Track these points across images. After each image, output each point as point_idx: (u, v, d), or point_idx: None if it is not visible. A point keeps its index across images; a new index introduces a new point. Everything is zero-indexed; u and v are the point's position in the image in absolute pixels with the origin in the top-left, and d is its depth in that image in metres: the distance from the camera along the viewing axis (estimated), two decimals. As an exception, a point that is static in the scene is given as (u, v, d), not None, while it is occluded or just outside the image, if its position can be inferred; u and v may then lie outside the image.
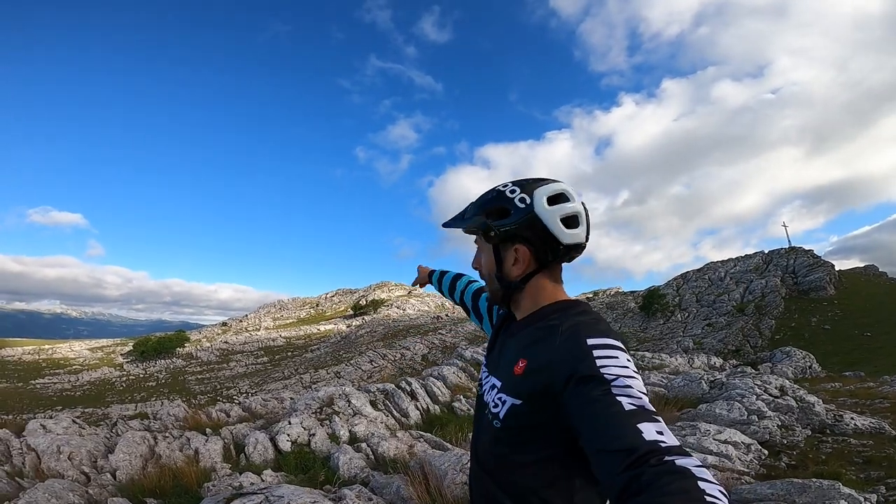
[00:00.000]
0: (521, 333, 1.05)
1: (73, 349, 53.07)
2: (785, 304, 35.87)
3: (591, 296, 61.31)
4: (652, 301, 43.06)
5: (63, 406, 33.00)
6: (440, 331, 43.42)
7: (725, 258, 50.02)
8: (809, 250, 43.84)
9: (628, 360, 0.84)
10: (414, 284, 1.97)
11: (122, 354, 50.97)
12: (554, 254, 1.03)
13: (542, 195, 1.01)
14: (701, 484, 0.66)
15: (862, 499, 2.56)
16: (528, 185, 1.04)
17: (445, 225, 1.19)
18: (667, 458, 0.67)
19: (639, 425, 0.71)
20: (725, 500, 0.66)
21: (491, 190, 1.10)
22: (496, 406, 0.98)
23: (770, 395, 6.04)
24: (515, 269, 1.04)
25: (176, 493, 3.85)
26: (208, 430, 6.36)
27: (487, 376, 1.12)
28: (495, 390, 1.01)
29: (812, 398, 5.82)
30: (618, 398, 0.75)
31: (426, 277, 1.91)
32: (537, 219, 1.00)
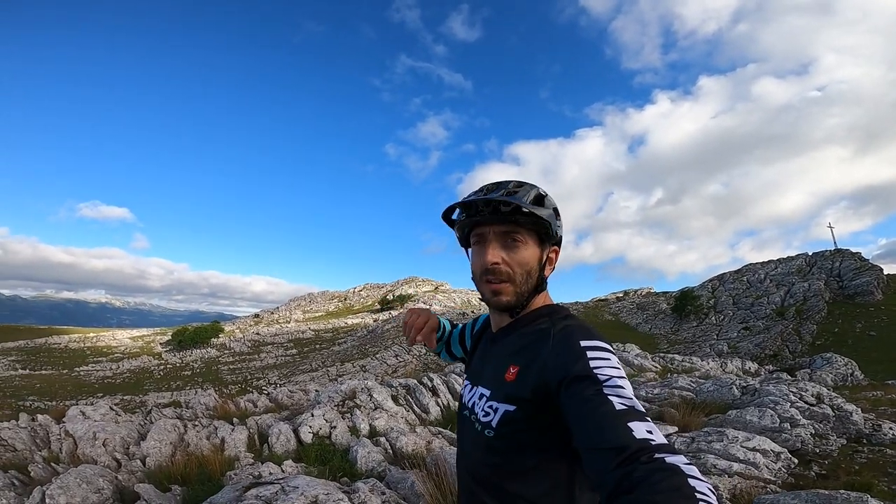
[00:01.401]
0: (506, 339, 1.04)
1: (116, 338, 55.89)
2: (828, 308, 34.15)
3: (620, 295, 59.97)
4: (685, 302, 41.80)
5: (104, 393, 34.77)
6: (465, 328, 43.47)
7: (765, 260, 48.04)
8: (856, 253, 41.55)
9: (618, 363, 0.85)
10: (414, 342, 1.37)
11: (161, 344, 53.34)
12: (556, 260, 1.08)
13: None
14: (691, 481, 0.67)
15: (893, 514, 2.40)
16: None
17: (517, 205, 0.95)
18: (657, 455, 0.69)
19: (629, 424, 0.73)
20: (714, 497, 0.67)
21: (532, 185, 1.02)
22: (487, 415, 0.97)
23: (805, 402, 5.75)
24: (548, 271, 1.05)
25: (200, 481, 3.99)
26: (235, 420, 6.57)
27: (471, 388, 1.10)
28: (484, 399, 1.00)
29: (850, 406, 5.52)
30: (609, 398, 0.77)
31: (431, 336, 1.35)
32: (562, 228, 1.05)
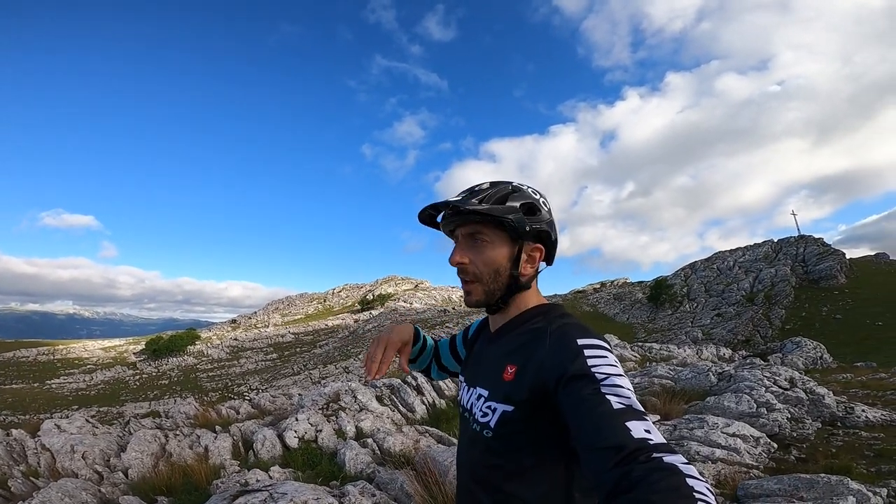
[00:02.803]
0: (503, 339, 1.04)
1: (87, 349, 53.98)
2: (795, 293, 35.50)
3: (598, 286, 61.06)
4: (660, 291, 42.84)
5: (79, 405, 33.60)
6: (447, 324, 43.51)
7: (733, 248, 49.53)
8: (819, 238, 43.26)
9: (616, 360, 0.85)
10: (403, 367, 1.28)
11: (134, 353, 51.78)
12: (551, 259, 1.07)
13: (550, 204, 1.06)
14: (689, 481, 0.67)
15: (871, 494, 2.52)
16: (534, 190, 1.06)
17: (459, 207, 0.96)
18: (655, 455, 0.69)
19: (627, 423, 0.73)
20: (713, 497, 0.67)
21: (506, 183, 1.02)
22: (485, 416, 0.96)
23: (779, 387, 5.97)
24: (527, 269, 1.03)
25: (186, 491, 3.90)
26: (218, 428, 6.43)
27: (469, 389, 1.10)
28: (482, 400, 0.99)
29: (822, 390, 5.75)
30: (607, 397, 0.76)
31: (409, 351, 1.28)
32: (553, 225, 1.04)
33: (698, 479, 0.67)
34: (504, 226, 0.97)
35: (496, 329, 1.09)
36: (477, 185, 1.03)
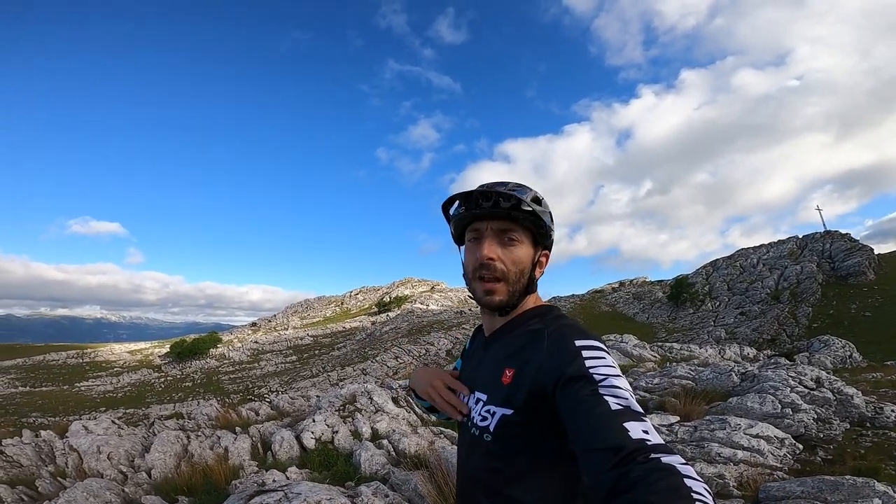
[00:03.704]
0: (499, 342, 1.04)
1: (114, 352, 55.54)
2: (822, 290, 34.44)
3: (616, 286, 60.19)
4: (680, 290, 42.04)
5: (106, 407, 34.58)
6: (464, 325, 43.49)
7: (757, 245, 48.32)
8: (846, 234, 41.90)
9: (614, 361, 0.85)
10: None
11: (159, 356, 53.06)
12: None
13: None
14: (687, 481, 0.68)
15: (896, 495, 2.42)
16: None
17: (519, 200, 0.97)
18: (653, 455, 0.69)
19: (625, 424, 0.74)
20: (711, 497, 0.68)
21: (529, 188, 1.02)
22: (484, 420, 0.96)
23: (805, 387, 5.79)
24: (538, 272, 1.06)
25: (206, 491, 3.97)
26: (238, 429, 6.55)
27: (468, 394, 1.09)
28: (480, 404, 0.99)
29: (850, 390, 5.55)
30: (605, 398, 0.77)
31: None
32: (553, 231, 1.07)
33: (696, 479, 0.67)
34: (535, 227, 1.00)
35: (492, 332, 1.09)
36: (500, 182, 1.02)
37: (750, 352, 17.35)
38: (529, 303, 1.06)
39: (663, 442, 0.72)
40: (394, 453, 5.16)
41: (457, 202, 1.05)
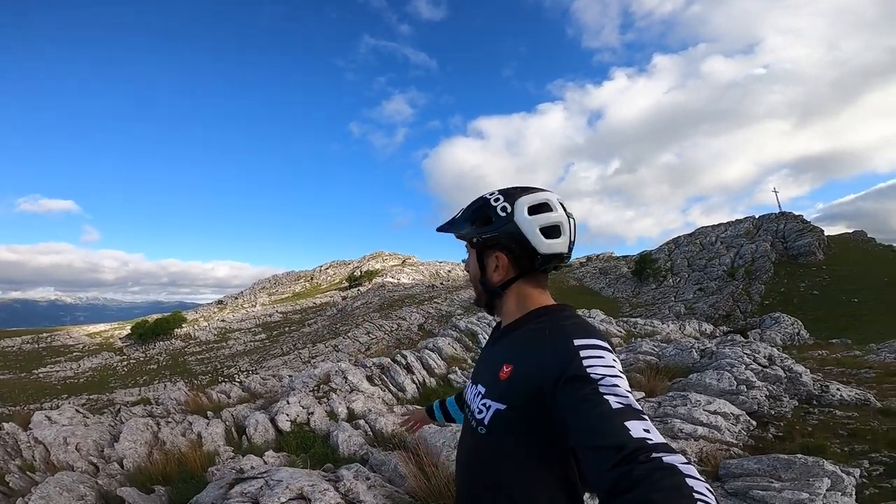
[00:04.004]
0: (504, 339, 1.08)
1: (72, 336, 53.14)
2: (774, 268, 36.33)
3: (584, 261, 61.73)
4: (644, 266, 43.54)
5: (67, 394, 33.37)
6: (436, 300, 43.80)
7: (715, 223, 50.27)
8: (799, 215, 44.07)
9: (614, 360, 0.87)
10: (409, 428, 1.84)
11: (120, 338, 51.21)
12: (532, 262, 1.06)
13: (523, 205, 1.05)
14: (689, 481, 0.67)
15: (844, 475, 2.66)
16: (513, 195, 1.08)
17: (440, 229, 1.23)
18: (654, 454, 0.69)
19: (626, 423, 0.73)
20: (713, 497, 0.67)
21: (479, 198, 1.15)
22: (480, 412, 1.00)
23: (759, 364, 6.18)
24: (496, 276, 1.09)
25: (182, 479, 3.93)
26: (210, 413, 6.45)
27: (472, 385, 1.14)
28: (479, 397, 1.04)
29: (799, 368, 5.95)
30: (605, 397, 0.77)
31: (420, 416, 1.80)
32: (516, 228, 1.04)
33: (698, 479, 0.68)
34: (468, 239, 1.14)
35: (503, 329, 1.13)
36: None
37: (708, 328, 18.26)
38: (536, 301, 1.08)
39: (664, 441, 0.72)
40: (371, 433, 5.22)
41: None
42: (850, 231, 42.90)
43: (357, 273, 68.40)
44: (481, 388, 1.05)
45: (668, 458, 0.68)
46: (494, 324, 1.39)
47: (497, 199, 1.08)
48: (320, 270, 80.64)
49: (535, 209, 1.05)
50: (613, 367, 0.84)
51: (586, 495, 1.02)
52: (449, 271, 67.29)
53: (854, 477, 2.80)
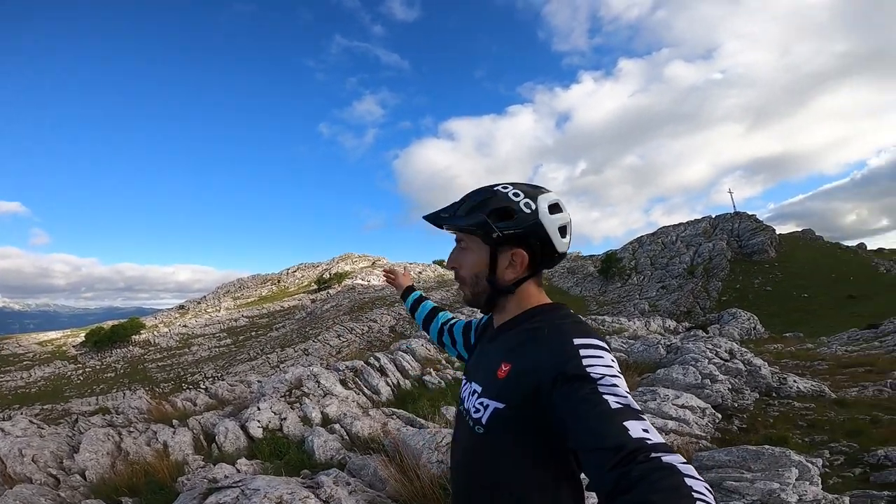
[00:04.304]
0: (502, 337, 1.06)
1: (21, 344, 49.73)
2: (730, 266, 38.05)
3: (551, 260, 62.68)
4: (610, 265, 44.77)
5: (20, 404, 31.46)
6: (407, 303, 43.55)
7: (676, 223, 52.24)
8: (752, 215, 46.35)
9: (613, 360, 0.87)
10: (386, 279, 1.92)
11: (74, 346, 48.40)
12: (548, 261, 1.05)
13: (545, 203, 1.02)
14: (688, 480, 0.67)
15: (809, 465, 2.81)
16: (531, 192, 1.04)
17: (430, 218, 1.11)
18: (653, 454, 0.69)
19: (625, 423, 0.73)
20: (711, 497, 0.67)
21: (487, 189, 1.06)
22: (477, 412, 0.99)
23: (721, 358, 6.46)
24: (509, 273, 1.04)
25: (151, 490, 3.77)
26: (175, 422, 6.21)
27: (466, 383, 1.13)
28: (475, 396, 1.02)
29: (758, 361, 6.25)
30: (604, 397, 0.77)
31: (399, 281, 1.84)
32: (541, 226, 1.01)
33: (697, 478, 0.67)
34: (475, 233, 1.02)
35: (498, 326, 1.12)
36: (468, 193, 1.08)
37: (671, 324, 18.93)
38: (533, 300, 1.07)
39: (663, 441, 0.72)
40: (347, 437, 5.16)
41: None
42: (800, 230, 45.47)
43: (326, 275, 67.20)
44: (477, 387, 1.03)
45: (667, 458, 0.68)
46: (477, 322, 1.38)
47: (517, 195, 1.03)
48: (288, 273, 78.78)
49: (553, 208, 1.03)
50: (612, 366, 0.84)
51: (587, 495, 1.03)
52: (420, 272, 67.06)
53: (818, 466, 2.95)
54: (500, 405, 0.94)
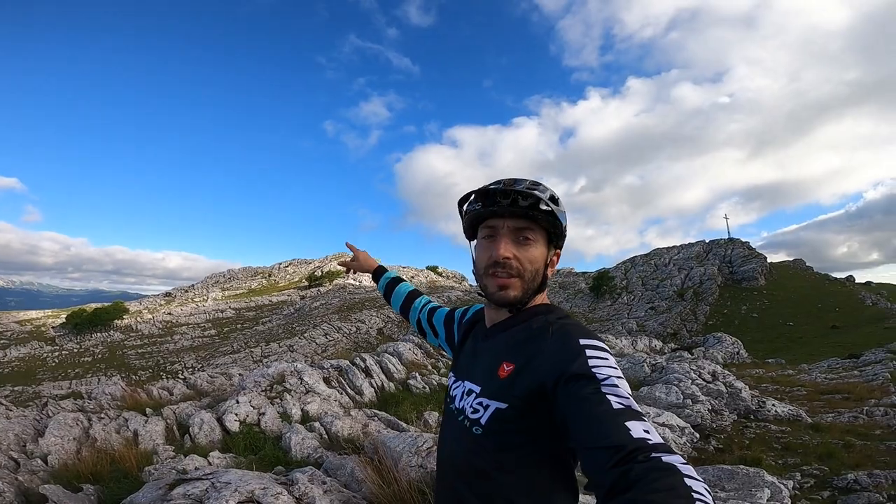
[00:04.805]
0: (500, 336, 1.04)
1: (1, 322, 48.87)
2: (720, 291, 38.47)
3: (545, 276, 63.10)
4: (601, 283, 45.06)
5: (-11, 384, 30.71)
6: (396, 306, 43.44)
7: (669, 245, 52.81)
8: (746, 242, 47.00)
9: (615, 363, 0.86)
10: (345, 268, 1.83)
11: (53, 327, 47.57)
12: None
13: None
14: (687, 480, 0.66)
15: (782, 486, 2.82)
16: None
17: (539, 200, 0.97)
18: (654, 454, 0.68)
19: (626, 423, 0.73)
20: (710, 497, 0.67)
21: (546, 187, 1.02)
22: (476, 412, 0.96)
23: (703, 379, 6.49)
24: (550, 271, 1.06)
25: (115, 479, 3.66)
26: (148, 410, 6.07)
27: (457, 382, 1.10)
28: (472, 395, 0.99)
29: (740, 384, 6.32)
30: (607, 396, 0.77)
31: (363, 265, 1.78)
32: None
33: (696, 479, 0.67)
34: (550, 227, 1.01)
35: (493, 324, 1.09)
36: (518, 179, 1.01)
37: (658, 344, 19.05)
38: (535, 300, 1.06)
39: (664, 441, 0.72)
40: (326, 436, 5.07)
41: (472, 197, 1.05)
42: (791, 259, 46.06)
43: (318, 273, 66.91)
44: (473, 387, 1.01)
45: (667, 458, 0.67)
46: (460, 314, 1.35)
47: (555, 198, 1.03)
48: (279, 268, 78.32)
49: None
50: (616, 368, 0.84)
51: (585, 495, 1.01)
52: (412, 277, 66.97)
53: (788, 488, 2.97)
54: (503, 405, 0.92)
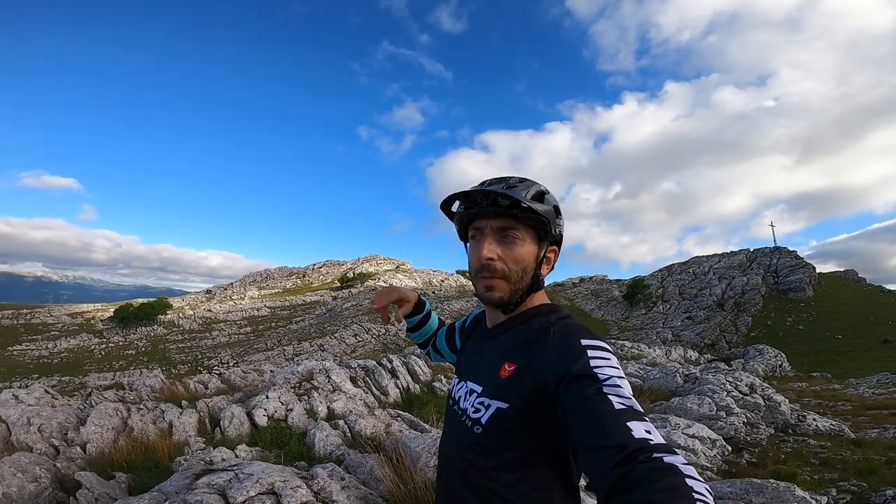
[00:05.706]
0: (501, 336, 1.03)
1: (53, 314, 52.09)
2: (763, 302, 36.67)
3: (577, 281, 61.98)
4: (636, 291, 43.80)
5: (39, 374, 32.76)
6: (425, 309, 43.71)
7: (709, 254, 50.82)
8: (793, 251, 44.65)
9: (617, 363, 0.86)
10: (385, 319, 1.38)
11: (102, 321, 50.37)
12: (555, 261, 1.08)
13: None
14: (688, 481, 0.66)
15: (814, 501, 2.66)
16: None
17: (515, 199, 0.94)
18: (655, 455, 0.67)
19: (628, 423, 0.72)
20: (711, 498, 0.66)
21: (534, 182, 1.00)
22: (477, 411, 0.96)
23: (740, 391, 6.21)
24: (545, 270, 1.05)
25: (146, 468, 3.82)
26: (184, 403, 6.33)
27: (460, 383, 1.10)
28: (474, 395, 0.99)
29: (779, 397, 6.00)
30: (609, 397, 0.76)
31: (412, 299, 1.42)
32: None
33: (698, 479, 0.66)
34: (536, 224, 0.98)
35: (494, 325, 1.09)
36: (503, 178, 1.00)
37: (693, 354, 18.35)
38: (535, 300, 1.05)
39: (665, 442, 0.72)
40: (349, 434, 5.14)
41: (457, 201, 1.05)
42: (842, 270, 43.42)
43: (350, 274, 68.14)
44: (475, 387, 1.01)
45: (668, 459, 0.67)
46: (461, 324, 1.35)
47: (550, 194, 1.03)
48: (313, 269, 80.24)
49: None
50: (618, 369, 0.83)
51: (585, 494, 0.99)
52: (442, 281, 67.16)
53: None
54: (504, 405, 0.92)
